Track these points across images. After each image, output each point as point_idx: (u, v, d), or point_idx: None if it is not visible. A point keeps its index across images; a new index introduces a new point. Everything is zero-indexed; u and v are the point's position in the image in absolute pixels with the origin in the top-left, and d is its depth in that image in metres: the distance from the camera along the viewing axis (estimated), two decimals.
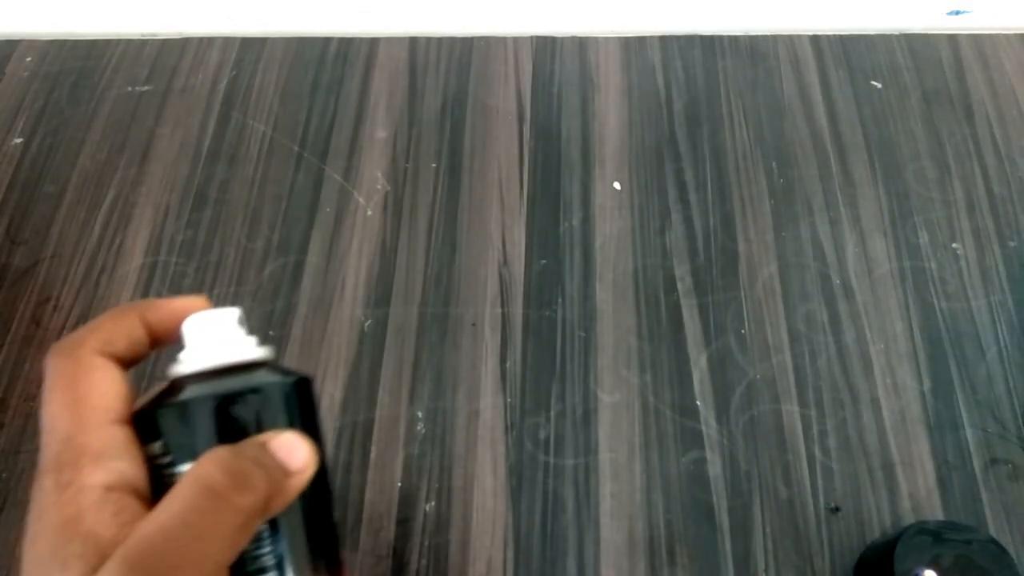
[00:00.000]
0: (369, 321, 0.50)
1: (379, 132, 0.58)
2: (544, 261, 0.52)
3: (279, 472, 0.22)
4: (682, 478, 0.45)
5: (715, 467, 0.45)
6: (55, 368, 0.23)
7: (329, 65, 0.62)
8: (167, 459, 0.22)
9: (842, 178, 0.55)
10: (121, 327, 0.24)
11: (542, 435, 0.46)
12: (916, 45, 0.62)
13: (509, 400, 0.47)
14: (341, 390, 0.47)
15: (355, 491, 0.44)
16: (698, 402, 0.47)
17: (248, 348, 0.24)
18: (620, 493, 0.44)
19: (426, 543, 0.43)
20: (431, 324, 0.50)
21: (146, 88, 0.61)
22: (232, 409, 0.22)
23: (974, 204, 0.54)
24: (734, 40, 0.62)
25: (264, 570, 0.22)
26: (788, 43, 0.62)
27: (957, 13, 0.63)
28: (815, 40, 0.62)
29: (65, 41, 0.64)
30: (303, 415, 0.24)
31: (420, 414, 0.47)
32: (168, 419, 0.22)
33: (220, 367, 0.23)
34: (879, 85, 0.60)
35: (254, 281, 0.51)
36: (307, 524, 0.23)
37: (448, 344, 0.49)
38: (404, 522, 0.44)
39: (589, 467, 0.45)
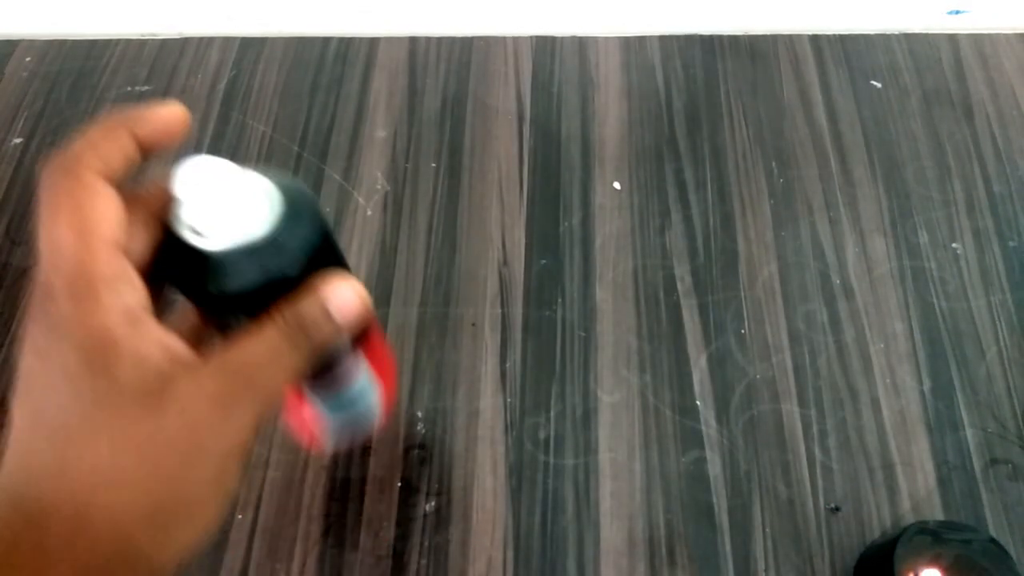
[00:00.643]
0: None
1: (379, 132, 0.58)
2: (544, 261, 0.52)
3: (336, 330, 0.25)
4: (682, 478, 0.45)
5: (715, 467, 0.45)
6: (57, 186, 0.22)
7: (329, 65, 0.62)
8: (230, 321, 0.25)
9: (842, 178, 0.55)
10: (116, 145, 0.23)
11: (542, 435, 0.46)
12: (916, 45, 0.62)
13: (509, 400, 0.47)
14: None
15: (355, 491, 0.44)
16: (698, 402, 0.47)
17: (264, 201, 0.24)
18: (620, 493, 0.44)
19: (426, 543, 0.43)
20: (431, 324, 0.50)
21: (146, 88, 0.61)
22: (286, 278, 0.24)
23: (974, 204, 0.54)
24: (734, 40, 0.62)
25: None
26: (788, 43, 0.62)
27: (957, 13, 0.63)
28: (815, 40, 0.62)
29: (65, 41, 0.64)
30: (333, 246, 0.27)
31: (420, 414, 0.47)
32: (231, 300, 0.24)
33: (260, 240, 0.24)
34: (879, 85, 0.60)
35: None
36: None
37: (448, 344, 0.49)
38: (404, 522, 0.44)
39: (589, 467, 0.45)
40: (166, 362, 0.22)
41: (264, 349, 0.24)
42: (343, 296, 0.25)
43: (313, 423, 0.34)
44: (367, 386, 0.33)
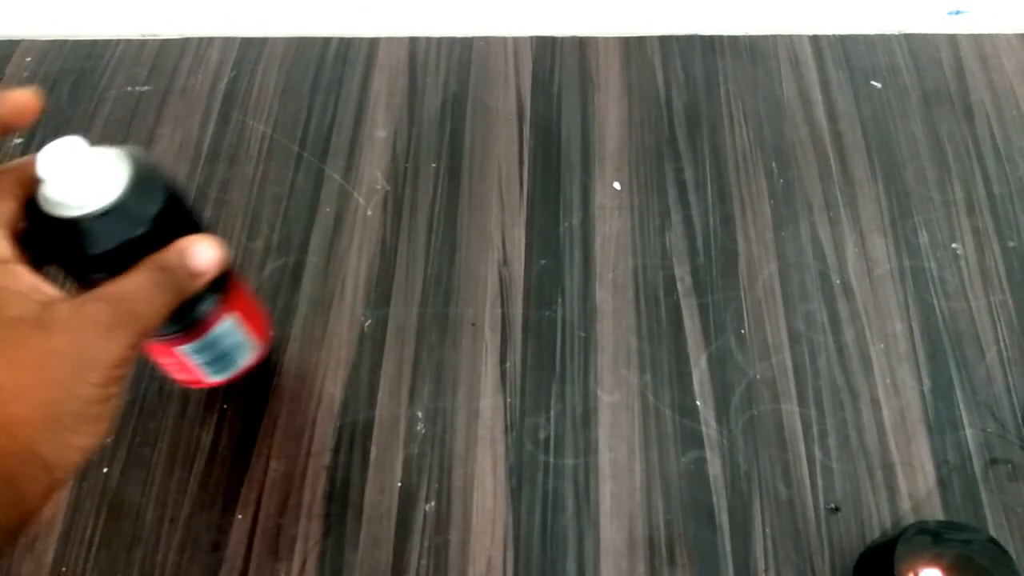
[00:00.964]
0: (369, 321, 0.50)
1: (379, 132, 0.58)
2: (544, 261, 0.52)
3: (196, 275, 0.29)
4: (682, 478, 0.45)
5: (715, 467, 0.45)
6: None
7: (329, 65, 0.62)
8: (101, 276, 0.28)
9: (842, 178, 0.55)
10: None
11: (542, 435, 0.46)
12: (916, 45, 0.62)
13: (509, 400, 0.47)
14: (341, 390, 0.47)
15: (355, 491, 0.44)
16: (698, 402, 0.47)
17: (115, 172, 0.29)
18: (620, 493, 0.44)
19: (426, 543, 0.43)
20: (431, 324, 0.50)
21: (146, 88, 0.61)
22: (142, 237, 0.29)
23: (974, 204, 0.54)
24: (734, 40, 0.62)
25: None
26: (788, 43, 0.62)
27: (957, 13, 0.63)
28: (815, 40, 0.62)
29: (65, 41, 0.64)
30: (188, 209, 0.32)
31: (420, 414, 0.47)
32: (96, 261, 0.28)
33: (115, 203, 0.28)
34: (879, 85, 0.60)
35: (254, 281, 0.51)
36: None
37: (448, 344, 0.49)
38: (404, 522, 0.44)
39: (589, 467, 0.45)
40: (44, 296, 0.26)
41: (136, 286, 0.28)
42: (200, 248, 0.29)
43: (186, 366, 0.40)
44: (232, 329, 0.39)
